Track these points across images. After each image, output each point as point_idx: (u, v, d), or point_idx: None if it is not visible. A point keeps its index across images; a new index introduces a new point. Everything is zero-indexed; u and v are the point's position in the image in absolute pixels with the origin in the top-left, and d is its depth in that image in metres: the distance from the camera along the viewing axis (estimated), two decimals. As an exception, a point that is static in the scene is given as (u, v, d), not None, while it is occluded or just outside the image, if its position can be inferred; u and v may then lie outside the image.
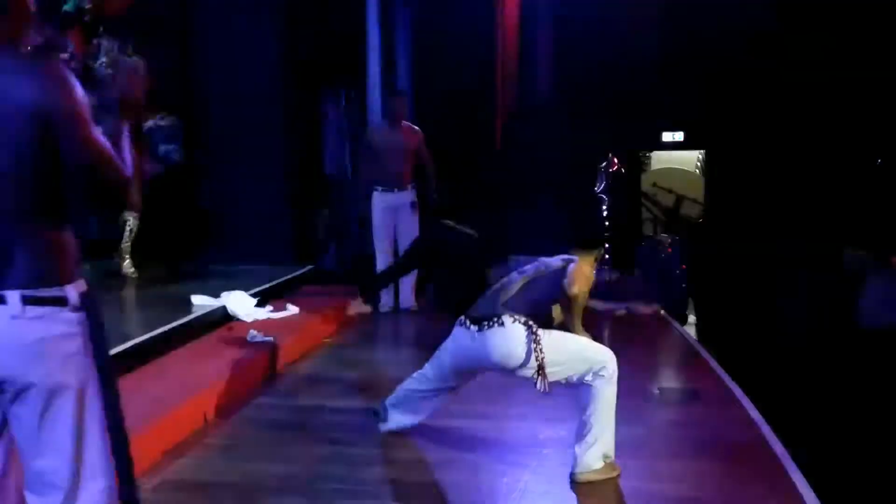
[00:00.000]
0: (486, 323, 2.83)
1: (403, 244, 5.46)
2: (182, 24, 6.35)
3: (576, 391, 2.83)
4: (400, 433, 3.24)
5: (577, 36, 8.76)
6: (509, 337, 2.78)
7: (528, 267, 3.03)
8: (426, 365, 3.09)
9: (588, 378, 2.77)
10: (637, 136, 8.73)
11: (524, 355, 2.75)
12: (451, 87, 8.00)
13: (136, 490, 1.70)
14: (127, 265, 5.54)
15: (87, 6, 5.35)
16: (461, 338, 2.91)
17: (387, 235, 5.48)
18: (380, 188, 5.47)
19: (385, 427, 3.18)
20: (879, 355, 4.84)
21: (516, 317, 2.81)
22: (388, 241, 5.48)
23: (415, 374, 3.14)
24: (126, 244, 5.55)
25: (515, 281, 2.96)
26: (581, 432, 2.78)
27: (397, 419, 3.17)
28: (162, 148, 5.74)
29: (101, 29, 5.39)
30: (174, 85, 6.15)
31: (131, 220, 5.51)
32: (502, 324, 2.80)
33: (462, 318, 2.93)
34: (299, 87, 6.39)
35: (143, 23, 5.60)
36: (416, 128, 5.56)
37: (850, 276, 5.42)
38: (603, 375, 2.77)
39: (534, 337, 2.76)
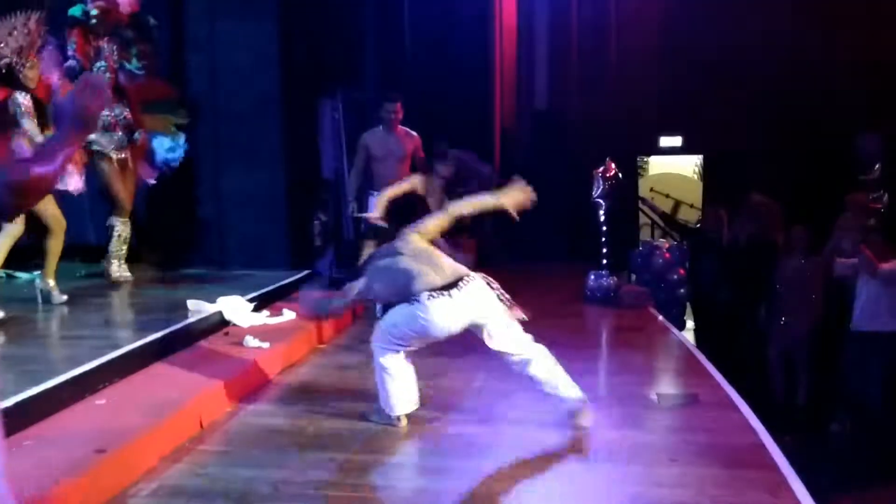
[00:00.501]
0: (459, 284, 3.19)
1: None
2: (178, 29, 6.34)
3: (522, 372, 3.29)
4: (396, 439, 3.23)
5: (574, 41, 8.78)
6: (483, 287, 3.25)
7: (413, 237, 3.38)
8: (383, 344, 3.29)
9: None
10: (634, 140, 8.73)
11: (496, 301, 3.24)
12: (450, 92, 8.02)
13: None
14: (115, 268, 5.48)
15: (95, 12, 5.36)
16: (436, 308, 3.14)
17: None
18: (375, 193, 5.46)
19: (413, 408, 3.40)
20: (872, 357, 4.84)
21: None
22: None
23: (384, 359, 3.30)
24: (119, 251, 5.49)
25: (432, 247, 3.35)
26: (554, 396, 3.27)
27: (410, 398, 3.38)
28: (162, 157, 5.73)
29: (103, 33, 5.40)
30: (173, 88, 6.14)
31: (119, 226, 5.46)
32: (473, 278, 3.25)
33: (428, 293, 3.15)
34: (297, 92, 6.39)
35: (141, 27, 5.61)
36: (413, 132, 5.56)
37: (842, 281, 5.42)
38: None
39: (492, 283, 3.28)
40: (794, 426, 5.25)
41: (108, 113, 5.31)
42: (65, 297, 4.77)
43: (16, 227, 4.41)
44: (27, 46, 4.30)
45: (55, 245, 4.65)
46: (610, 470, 2.93)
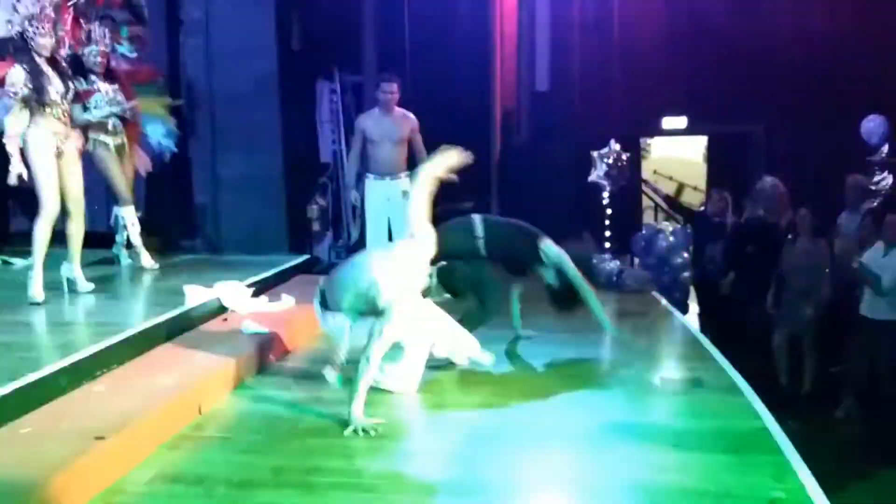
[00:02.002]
0: None
1: (397, 233, 5.40)
2: (173, 11, 6.26)
3: None
4: (400, 424, 3.20)
5: (576, 19, 8.67)
6: None
7: None
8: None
9: None
10: (637, 122, 8.64)
11: None
12: (449, 73, 7.93)
13: None
14: (146, 259, 5.45)
15: None
16: None
17: (380, 224, 5.41)
18: (373, 176, 5.39)
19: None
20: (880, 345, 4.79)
21: None
22: (381, 229, 5.42)
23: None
24: (136, 238, 5.45)
25: None
26: None
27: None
28: (157, 143, 5.67)
29: (94, 16, 5.31)
30: (167, 74, 6.08)
31: (130, 216, 5.39)
32: None
33: None
34: (295, 75, 6.32)
35: (133, 9, 5.53)
36: (411, 115, 5.46)
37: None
38: None
39: None
40: (798, 411, 5.23)
41: (104, 96, 5.22)
42: (91, 286, 4.70)
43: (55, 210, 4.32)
44: (38, 13, 4.31)
45: (77, 229, 4.57)
46: (612, 455, 2.91)
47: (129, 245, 5.54)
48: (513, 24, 8.74)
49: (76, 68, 5.13)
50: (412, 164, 5.50)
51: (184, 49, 6.27)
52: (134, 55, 5.55)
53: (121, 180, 5.35)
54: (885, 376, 4.62)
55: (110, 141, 5.28)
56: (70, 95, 4.46)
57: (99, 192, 5.63)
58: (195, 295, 4.53)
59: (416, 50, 7.72)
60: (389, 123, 5.34)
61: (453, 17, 8.11)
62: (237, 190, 6.17)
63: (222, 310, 4.57)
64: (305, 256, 6.19)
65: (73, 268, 4.66)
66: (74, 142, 4.52)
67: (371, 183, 5.39)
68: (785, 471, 2.75)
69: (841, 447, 4.18)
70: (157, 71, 5.82)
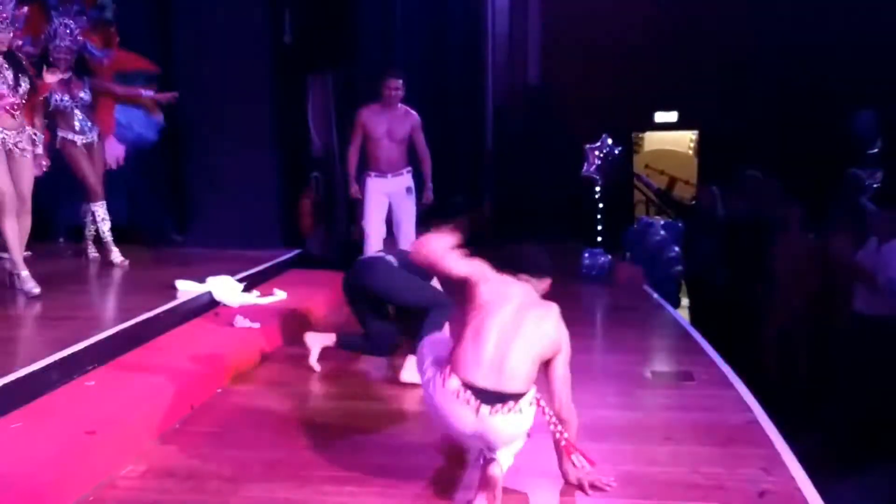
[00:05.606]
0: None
1: (400, 231, 5.34)
2: (165, 5, 6.22)
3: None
4: (392, 418, 3.21)
5: (567, 14, 8.68)
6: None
7: None
8: None
9: None
10: (629, 116, 8.66)
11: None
12: (442, 67, 7.92)
13: None
14: (116, 255, 5.37)
15: None
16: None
17: (379, 222, 5.35)
18: (373, 173, 5.31)
19: None
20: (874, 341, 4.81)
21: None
22: (380, 227, 5.36)
23: None
24: (107, 234, 5.35)
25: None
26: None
27: None
28: (137, 134, 5.57)
29: (67, 12, 5.20)
30: (158, 66, 6.03)
31: (100, 211, 5.31)
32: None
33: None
34: (288, 68, 6.29)
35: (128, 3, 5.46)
36: (413, 111, 5.33)
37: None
38: None
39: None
40: (789, 404, 5.26)
41: (64, 98, 5.10)
42: (38, 290, 4.39)
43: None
44: None
45: (22, 225, 4.39)
46: (603, 448, 2.91)
47: (97, 240, 5.46)
48: (504, 18, 8.75)
49: (43, 64, 5.02)
50: (413, 160, 5.43)
51: (176, 42, 6.22)
52: (103, 54, 5.43)
53: (90, 177, 5.26)
54: (878, 371, 4.64)
55: (78, 139, 5.21)
56: (23, 90, 4.26)
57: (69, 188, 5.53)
58: (187, 289, 4.51)
59: (408, 43, 7.70)
60: (392, 121, 5.19)
61: (445, 11, 8.10)
62: (229, 184, 6.13)
63: (214, 304, 4.56)
64: (298, 250, 6.17)
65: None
66: (31, 137, 4.35)
67: (372, 180, 5.29)
68: (775, 463, 2.78)
69: (831, 440, 4.21)
70: (152, 65, 5.73)
